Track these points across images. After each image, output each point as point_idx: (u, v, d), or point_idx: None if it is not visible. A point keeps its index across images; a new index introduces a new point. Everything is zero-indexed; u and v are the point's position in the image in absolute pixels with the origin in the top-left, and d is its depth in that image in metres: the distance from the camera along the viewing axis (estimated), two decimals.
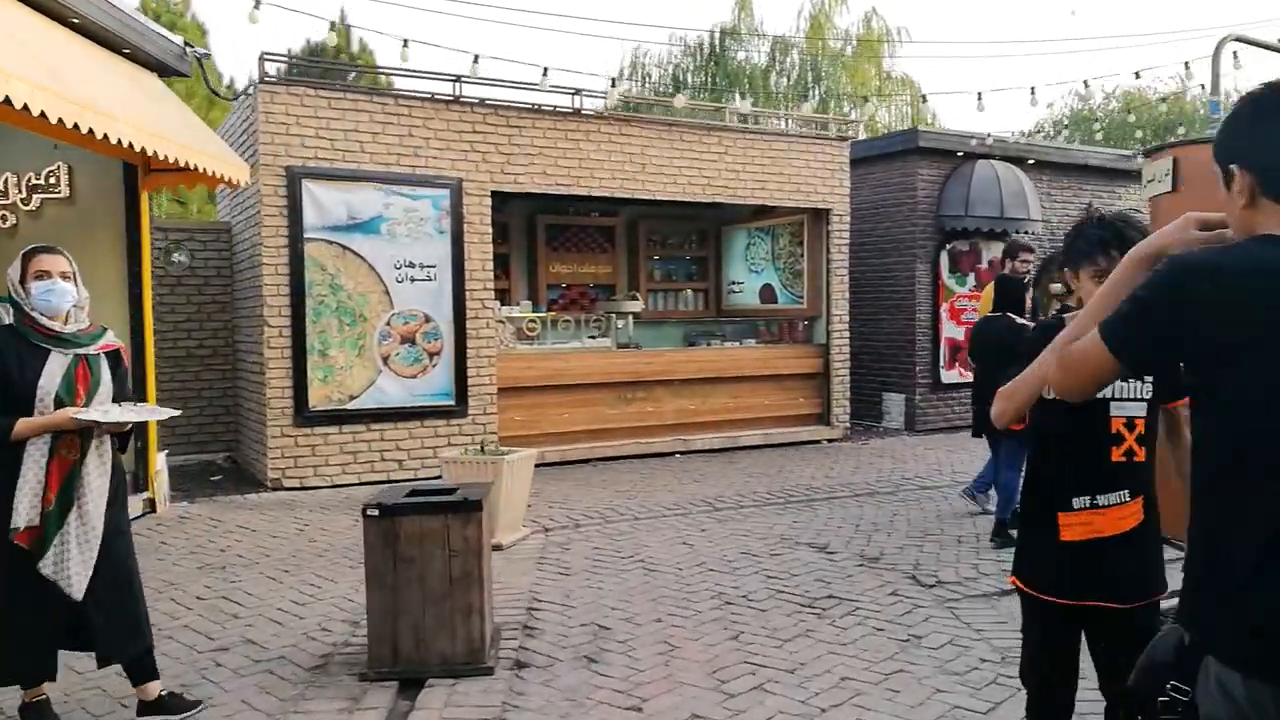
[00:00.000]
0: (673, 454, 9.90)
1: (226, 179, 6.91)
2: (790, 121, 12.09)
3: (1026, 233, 11.77)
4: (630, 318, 10.76)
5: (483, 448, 6.28)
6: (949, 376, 11.81)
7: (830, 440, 10.86)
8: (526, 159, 9.06)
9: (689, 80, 20.88)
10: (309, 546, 6.17)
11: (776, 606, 4.81)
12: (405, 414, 8.57)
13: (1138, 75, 9.93)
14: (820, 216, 10.92)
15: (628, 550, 6.00)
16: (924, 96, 10.01)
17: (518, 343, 9.82)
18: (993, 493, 6.63)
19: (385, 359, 8.45)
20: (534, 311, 10.41)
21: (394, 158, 8.49)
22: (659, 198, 9.87)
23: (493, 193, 8.95)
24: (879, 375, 12.14)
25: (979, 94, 10.54)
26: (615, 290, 11.75)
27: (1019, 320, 6.00)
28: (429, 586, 3.94)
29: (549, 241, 11.38)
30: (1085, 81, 10.01)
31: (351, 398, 8.36)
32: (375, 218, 8.39)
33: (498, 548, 5.97)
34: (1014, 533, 6.52)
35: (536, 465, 7.07)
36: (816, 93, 20.32)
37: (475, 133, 8.84)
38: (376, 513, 3.93)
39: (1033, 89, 10.13)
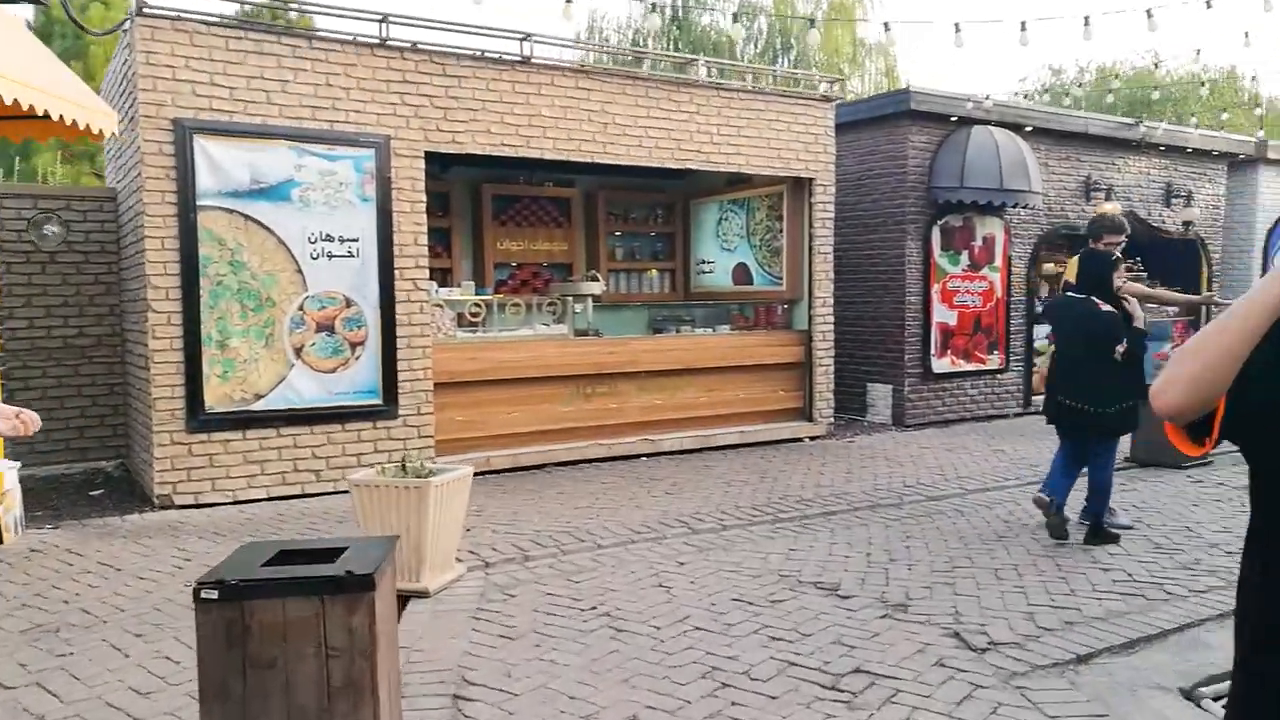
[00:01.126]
0: (639, 456, 8.68)
1: (87, 128, 5.53)
2: (769, 80, 10.84)
3: (1026, 206, 10.70)
4: (589, 301, 9.46)
5: (404, 465, 4.97)
6: (940, 365, 10.72)
7: (813, 438, 9.70)
8: (467, 114, 7.72)
9: (650, 45, 19.58)
10: (181, 594, 4.83)
11: (790, 689, 3.60)
12: (323, 416, 7.22)
13: (1209, 5, 8.87)
14: (802, 186, 9.71)
15: (589, 597, 4.75)
16: (956, 26, 8.70)
17: (459, 330, 8.50)
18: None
19: (298, 350, 7.11)
20: (478, 294, 9.09)
21: (308, 111, 7.11)
22: (622, 162, 8.57)
23: (427, 154, 7.60)
24: (863, 364, 11.01)
25: (1022, 23, 9.25)
26: (572, 270, 10.48)
27: (1103, 307, 5.03)
28: (296, 703, 2.66)
29: (497, 215, 10.09)
30: (1149, 11, 8.81)
31: (258, 397, 7.00)
32: (285, 182, 7.02)
33: (423, 595, 4.71)
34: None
35: (480, 473, 5.85)
36: (786, 60, 19.14)
37: (406, 83, 7.48)
38: (215, 594, 2.64)
39: (1086, 18, 8.91)
